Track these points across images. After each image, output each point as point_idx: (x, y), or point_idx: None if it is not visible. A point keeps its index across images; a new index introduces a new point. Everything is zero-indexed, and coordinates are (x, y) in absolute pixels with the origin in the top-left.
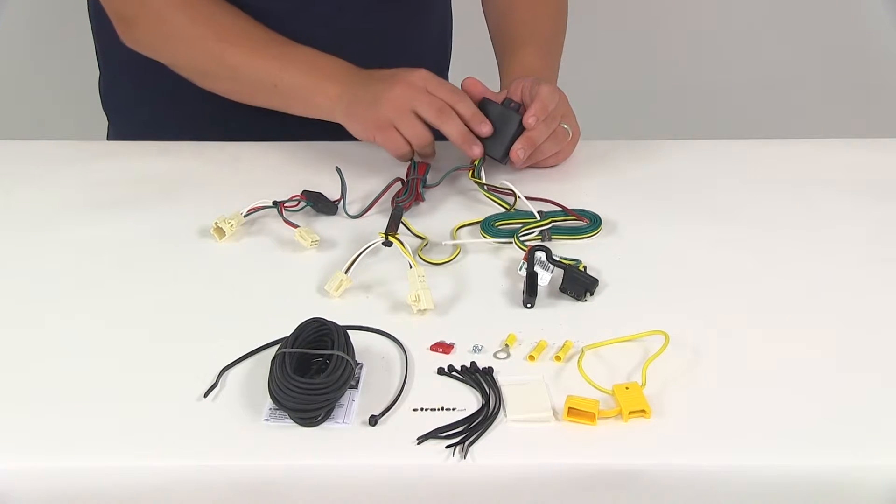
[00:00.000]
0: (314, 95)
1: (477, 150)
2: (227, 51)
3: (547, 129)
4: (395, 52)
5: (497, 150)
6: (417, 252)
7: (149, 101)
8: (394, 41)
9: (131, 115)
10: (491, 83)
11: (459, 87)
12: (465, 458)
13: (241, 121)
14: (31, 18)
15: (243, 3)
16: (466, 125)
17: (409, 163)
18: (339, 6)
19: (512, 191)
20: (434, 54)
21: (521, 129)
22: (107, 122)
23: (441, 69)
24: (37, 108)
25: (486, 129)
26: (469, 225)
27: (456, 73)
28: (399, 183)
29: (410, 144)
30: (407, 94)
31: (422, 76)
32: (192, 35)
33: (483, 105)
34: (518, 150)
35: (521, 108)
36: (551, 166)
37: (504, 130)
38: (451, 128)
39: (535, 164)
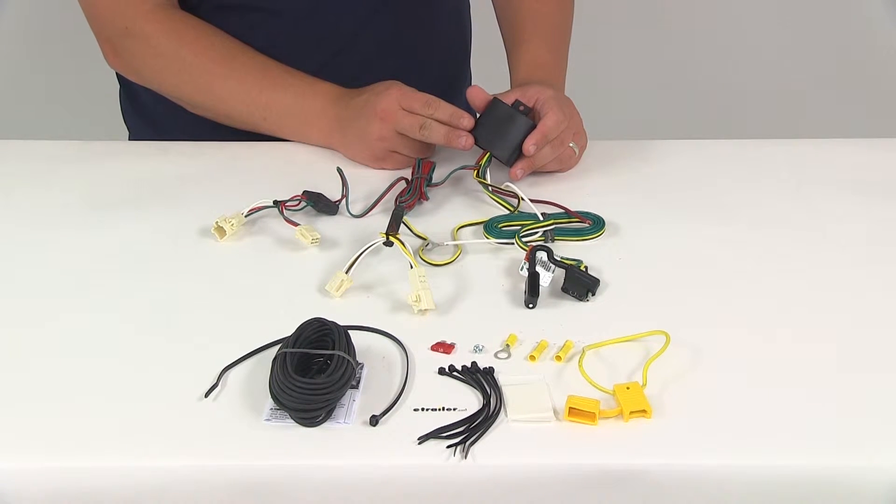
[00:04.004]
0: (305, 130)
1: (464, 140)
2: (216, 83)
3: (552, 152)
4: (408, 49)
5: (504, 153)
6: (418, 252)
7: (163, 105)
8: (406, 39)
9: (146, 119)
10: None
11: (474, 85)
12: (465, 458)
13: None
14: (43, 18)
15: (252, 6)
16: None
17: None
18: (349, 6)
19: (515, 192)
20: (450, 47)
21: (528, 133)
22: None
23: (460, 61)
24: (45, 112)
25: (466, 122)
26: (470, 225)
27: (478, 63)
28: (403, 182)
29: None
30: (386, 124)
31: (393, 97)
32: (181, 63)
33: (493, 105)
34: (517, 171)
35: (530, 113)
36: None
37: (512, 133)
38: (435, 137)
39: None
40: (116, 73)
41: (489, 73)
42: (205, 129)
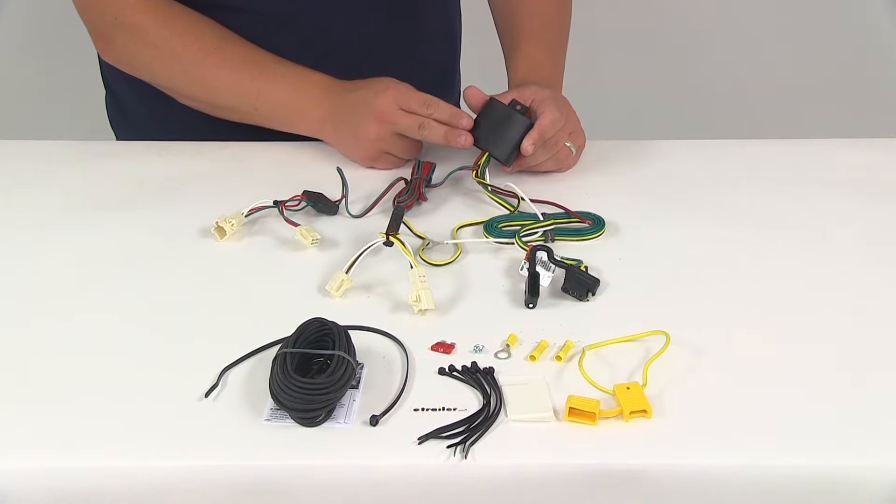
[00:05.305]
0: (297, 120)
1: (463, 139)
2: (207, 73)
3: (546, 152)
4: (394, 54)
5: (502, 153)
6: (418, 252)
7: (148, 109)
8: (393, 44)
9: (131, 124)
10: (502, 80)
11: (471, 85)
12: (465, 458)
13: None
14: (42, 18)
15: (240, 8)
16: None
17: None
18: (334, 11)
19: (515, 192)
20: (439, 54)
21: (526, 132)
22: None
23: (448, 68)
24: (45, 112)
25: (465, 122)
26: (470, 225)
27: (467, 72)
28: (402, 182)
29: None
30: (384, 125)
31: (391, 98)
32: (172, 53)
33: (490, 105)
34: (509, 171)
35: (527, 112)
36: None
37: (509, 133)
38: (434, 137)
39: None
40: (102, 77)
41: (479, 72)
42: (193, 134)
